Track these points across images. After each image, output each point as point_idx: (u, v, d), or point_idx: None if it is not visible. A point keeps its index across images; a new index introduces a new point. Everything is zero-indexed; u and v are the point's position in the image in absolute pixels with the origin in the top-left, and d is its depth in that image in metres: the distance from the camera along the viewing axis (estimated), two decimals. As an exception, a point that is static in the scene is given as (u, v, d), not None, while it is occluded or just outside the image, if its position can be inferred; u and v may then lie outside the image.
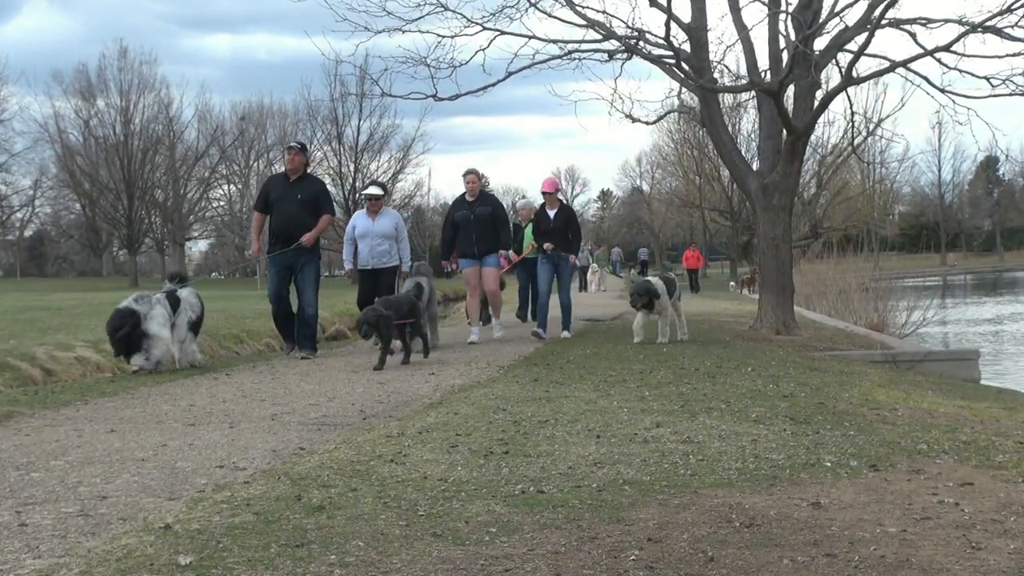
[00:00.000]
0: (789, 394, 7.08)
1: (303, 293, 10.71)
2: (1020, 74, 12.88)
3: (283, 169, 11.27)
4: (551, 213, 12.18)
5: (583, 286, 35.04)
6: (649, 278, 11.95)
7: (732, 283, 38.14)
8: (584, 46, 14.10)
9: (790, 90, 14.53)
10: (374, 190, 11.91)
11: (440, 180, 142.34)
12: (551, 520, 3.66)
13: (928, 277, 52.86)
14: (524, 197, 18.03)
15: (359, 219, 11.80)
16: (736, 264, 49.40)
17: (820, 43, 13.69)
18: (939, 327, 22.52)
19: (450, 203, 13.98)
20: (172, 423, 6.54)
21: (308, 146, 11.26)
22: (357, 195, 50.12)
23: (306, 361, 10.43)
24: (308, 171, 11.29)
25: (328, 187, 12.20)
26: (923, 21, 13.11)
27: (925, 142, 77.82)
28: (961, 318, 26.70)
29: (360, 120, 54.03)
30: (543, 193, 12.38)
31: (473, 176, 12.22)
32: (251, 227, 11.95)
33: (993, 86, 12.94)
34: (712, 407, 6.31)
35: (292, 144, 11.25)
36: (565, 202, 12.36)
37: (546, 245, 11.97)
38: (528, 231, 14.77)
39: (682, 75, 14.16)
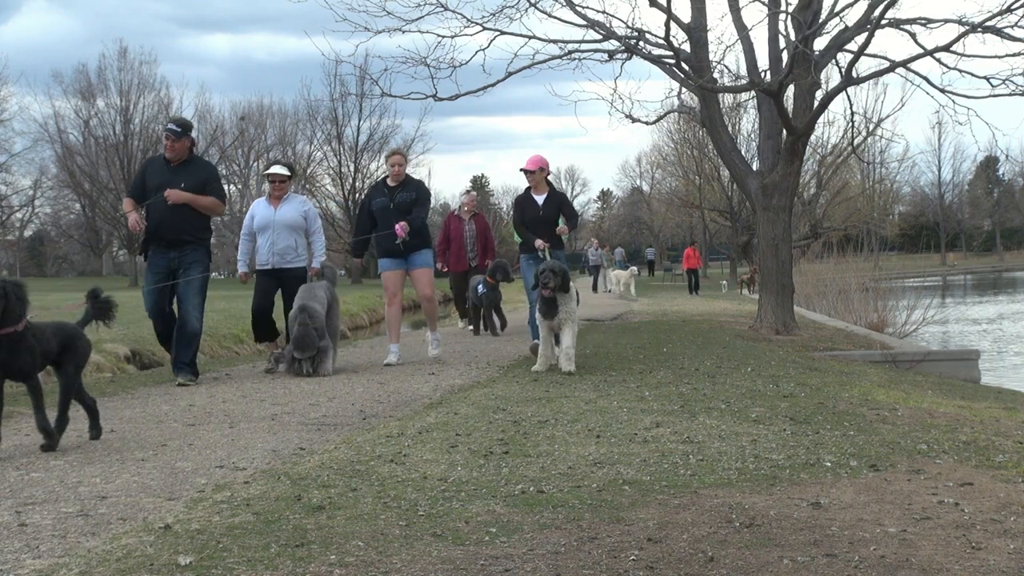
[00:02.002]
0: (789, 394, 7.08)
1: (185, 302, 8.68)
2: (1020, 74, 12.90)
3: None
4: (539, 199, 9.63)
5: (597, 287, 34.30)
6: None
7: (724, 282, 37.86)
8: (584, 46, 14.11)
9: (790, 90, 14.54)
10: (278, 169, 9.81)
11: (440, 180, 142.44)
12: (551, 520, 3.66)
13: (928, 277, 52.86)
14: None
15: (258, 207, 9.77)
16: (736, 264, 49.40)
17: (820, 43, 13.70)
18: (939, 327, 22.51)
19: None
20: (172, 423, 6.54)
21: (193, 128, 9.18)
22: (357, 195, 50.13)
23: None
24: (194, 154, 9.15)
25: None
26: (923, 21, 13.12)
27: (925, 142, 77.97)
28: (961, 318, 26.70)
29: (360, 120, 54.07)
30: (525, 173, 9.67)
31: (399, 157, 10.09)
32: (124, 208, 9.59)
33: (993, 86, 12.95)
34: (712, 407, 6.31)
35: (170, 128, 8.91)
36: (556, 186, 10.01)
37: (538, 243, 9.37)
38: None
39: (682, 75, 14.16)
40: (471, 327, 14.36)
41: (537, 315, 8.71)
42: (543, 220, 9.56)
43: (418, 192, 9.88)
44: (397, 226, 9.53)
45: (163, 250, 8.73)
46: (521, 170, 9.67)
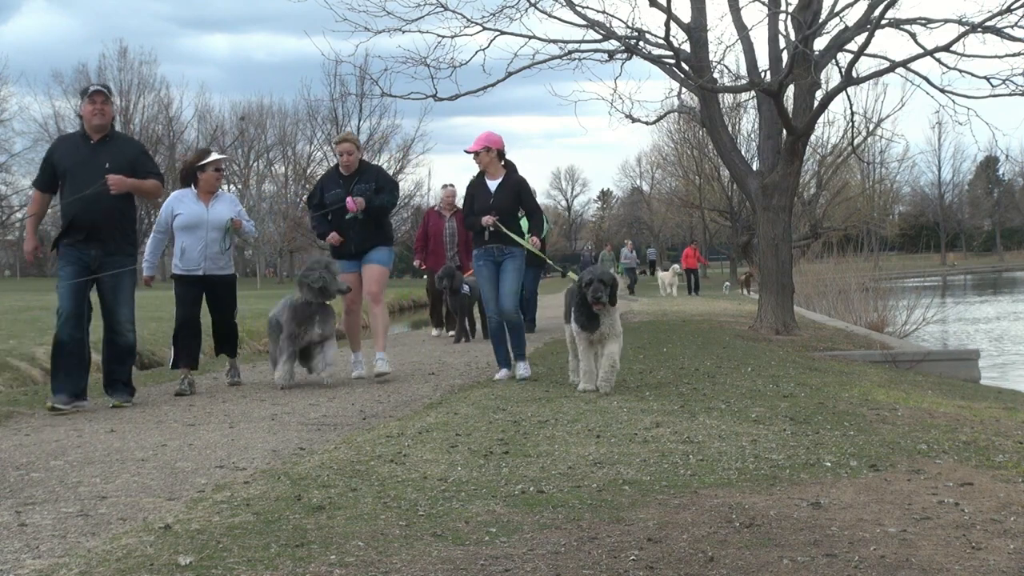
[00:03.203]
0: (789, 394, 7.08)
1: (116, 312, 7.28)
2: (1020, 74, 12.91)
3: (88, 130, 7.38)
4: (492, 184, 8.13)
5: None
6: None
7: (727, 283, 37.72)
8: (584, 46, 14.12)
9: (790, 90, 14.54)
10: (216, 155, 8.48)
11: (440, 180, 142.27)
12: (551, 520, 3.66)
13: (928, 277, 52.87)
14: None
15: (184, 202, 8.23)
16: (736, 264, 49.40)
17: (820, 43, 13.71)
18: (939, 327, 22.52)
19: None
20: (172, 423, 6.54)
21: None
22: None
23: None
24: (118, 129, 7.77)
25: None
26: (923, 21, 13.13)
27: (925, 142, 78.01)
28: (961, 318, 26.70)
29: (360, 120, 54.11)
30: (471, 154, 8.17)
31: (349, 145, 8.56)
32: (28, 217, 7.86)
33: (993, 86, 12.96)
34: (712, 407, 6.31)
35: (96, 87, 7.47)
36: (514, 170, 8.25)
37: (485, 219, 7.94)
38: (520, 222, 13.25)
39: (682, 75, 14.16)
40: (450, 333, 13.34)
41: (574, 326, 7.25)
42: (495, 211, 8.02)
43: (378, 180, 8.51)
44: (349, 199, 8.23)
45: (80, 245, 7.18)
46: (466, 151, 8.20)
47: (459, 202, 11.88)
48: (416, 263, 13.83)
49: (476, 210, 8.05)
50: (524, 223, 13.13)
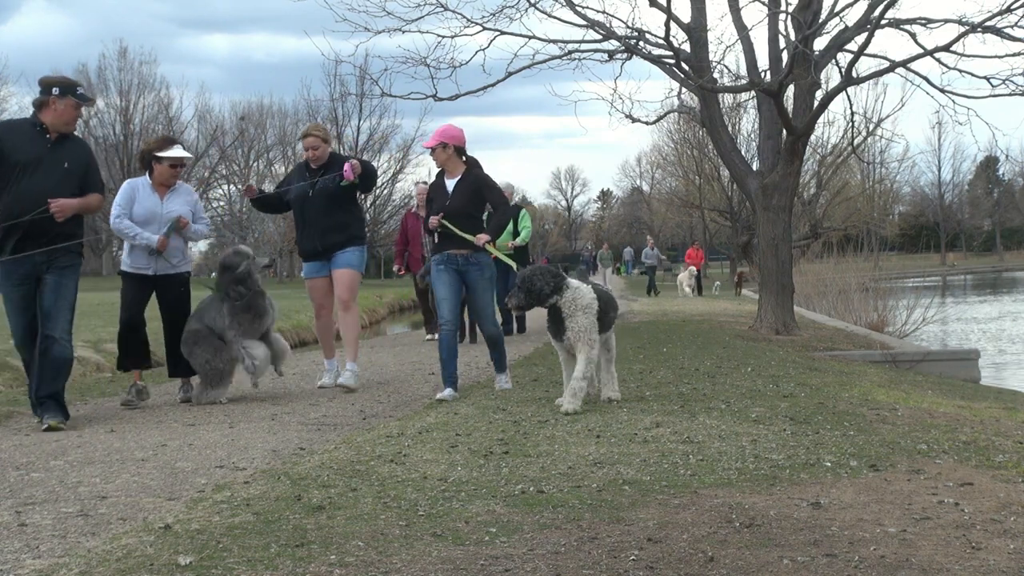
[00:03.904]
0: (789, 394, 7.08)
1: (53, 320, 6.49)
2: (1020, 74, 12.92)
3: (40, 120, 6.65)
4: (449, 184, 7.39)
5: (653, 289, 31.97)
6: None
7: (717, 283, 37.04)
8: (584, 46, 14.12)
9: (790, 90, 14.54)
10: (179, 151, 7.70)
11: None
12: (551, 520, 3.66)
13: (928, 277, 52.86)
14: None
15: (140, 193, 7.55)
16: (736, 264, 49.39)
17: (820, 43, 13.71)
18: (939, 327, 22.52)
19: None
20: (172, 423, 6.54)
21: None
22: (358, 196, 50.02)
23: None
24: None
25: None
26: (923, 21, 13.13)
27: (925, 142, 77.97)
28: (961, 317, 26.70)
29: (360, 120, 54.12)
30: (429, 150, 7.50)
31: (313, 139, 7.92)
32: None
33: (993, 86, 12.96)
34: (712, 407, 6.31)
35: (85, 91, 6.93)
36: (476, 166, 7.47)
37: (431, 221, 7.29)
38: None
39: (682, 75, 14.16)
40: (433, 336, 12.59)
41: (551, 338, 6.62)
42: (452, 213, 7.24)
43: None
44: (347, 165, 7.66)
45: (22, 253, 6.50)
46: (429, 149, 7.51)
47: None
48: (395, 268, 13.33)
49: (434, 212, 7.36)
50: (520, 226, 12.95)
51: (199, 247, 77.30)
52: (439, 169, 7.47)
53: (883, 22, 13.01)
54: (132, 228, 7.41)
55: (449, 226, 7.17)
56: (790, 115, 13.74)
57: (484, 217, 7.83)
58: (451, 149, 7.32)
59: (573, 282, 6.38)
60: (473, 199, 7.34)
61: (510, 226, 12.38)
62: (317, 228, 7.86)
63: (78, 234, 6.72)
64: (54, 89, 6.61)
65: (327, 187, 7.79)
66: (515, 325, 13.57)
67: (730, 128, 24.81)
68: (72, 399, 7.50)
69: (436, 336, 12.89)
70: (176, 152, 7.63)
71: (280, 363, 7.88)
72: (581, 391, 6.24)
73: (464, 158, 7.40)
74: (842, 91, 14.11)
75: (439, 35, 13.99)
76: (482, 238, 7.20)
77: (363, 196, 7.95)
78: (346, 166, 7.67)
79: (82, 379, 10.02)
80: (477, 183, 7.34)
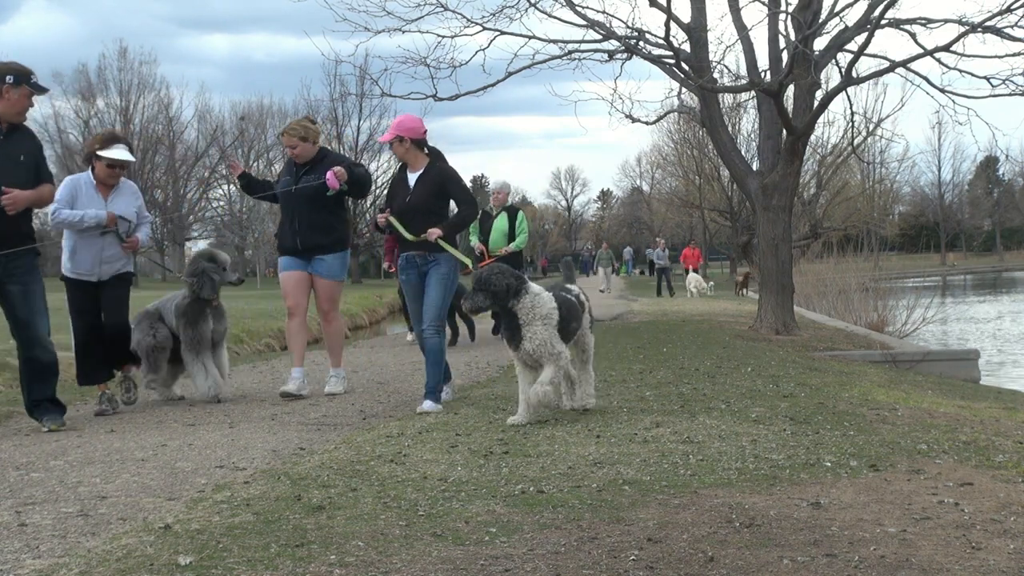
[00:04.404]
0: (789, 394, 7.08)
1: (31, 324, 6.33)
2: (1020, 74, 12.91)
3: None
4: (412, 178, 6.90)
5: (665, 290, 30.67)
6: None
7: (711, 283, 36.27)
8: (584, 46, 14.12)
9: (790, 90, 14.54)
10: (120, 152, 7.07)
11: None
12: (551, 520, 3.66)
13: (928, 277, 52.87)
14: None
15: (82, 191, 7.05)
16: (736, 264, 49.39)
17: (820, 43, 13.70)
18: (939, 327, 22.52)
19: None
20: (172, 423, 6.54)
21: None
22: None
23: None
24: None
25: None
26: (923, 21, 13.13)
27: (925, 142, 77.95)
28: (961, 317, 26.71)
29: (360, 120, 54.12)
30: (388, 144, 7.10)
31: (290, 138, 7.65)
32: None
33: (993, 86, 12.96)
34: (712, 407, 6.31)
35: (36, 82, 6.39)
36: (439, 158, 6.98)
37: (380, 217, 6.97)
38: (498, 221, 11.75)
39: (682, 75, 14.16)
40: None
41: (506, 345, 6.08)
42: (413, 209, 6.77)
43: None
44: (329, 173, 7.27)
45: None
46: (388, 143, 7.07)
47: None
48: (386, 265, 13.13)
49: (394, 207, 6.91)
50: (517, 230, 11.98)
51: (199, 247, 77.24)
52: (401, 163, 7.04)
53: (883, 22, 13.01)
54: (73, 213, 6.88)
55: (396, 224, 6.75)
56: (790, 115, 13.74)
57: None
58: (407, 143, 6.82)
59: (534, 287, 5.92)
60: (436, 194, 6.82)
61: (505, 228, 11.76)
62: (299, 226, 7.53)
63: (30, 234, 6.43)
64: (8, 77, 6.19)
65: (311, 186, 7.45)
66: (470, 333, 12.81)
67: (730, 128, 24.82)
68: (72, 399, 7.50)
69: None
70: (114, 153, 7.04)
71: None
72: (545, 395, 5.79)
73: (426, 150, 6.89)
74: (842, 91, 14.10)
75: (439, 35, 14.00)
76: (433, 232, 6.62)
77: (354, 200, 7.48)
78: (329, 174, 7.29)
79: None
80: (440, 177, 6.84)
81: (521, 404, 5.87)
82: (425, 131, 6.89)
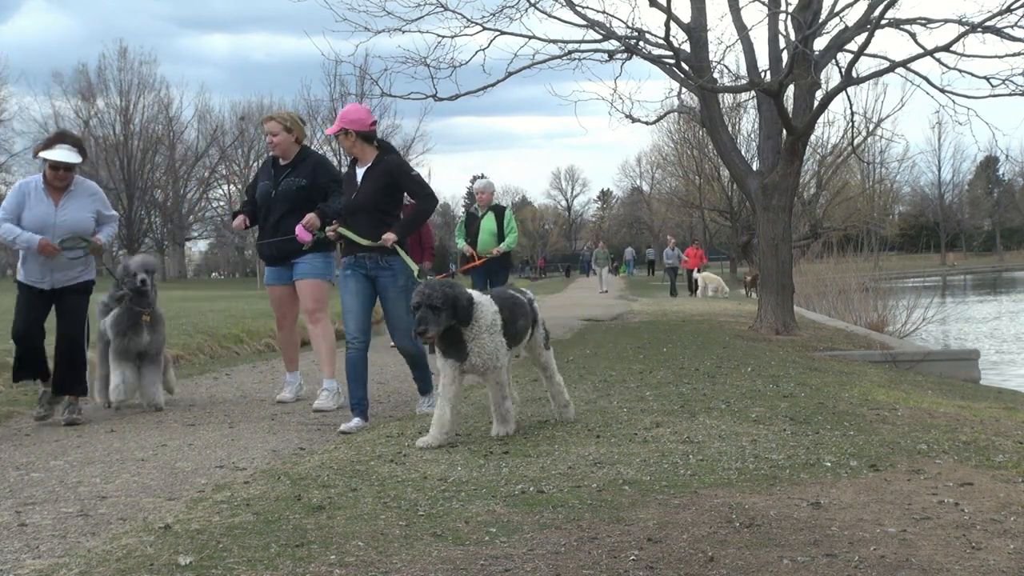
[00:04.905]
0: (789, 394, 7.08)
1: None
2: (1020, 74, 12.90)
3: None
4: (358, 173, 6.40)
5: (688, 289, 30.25)
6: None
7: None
8: (584, 46, 14.11)
9: (790, 90, 14.54)
10: (64, 154, 6.63)
11: (440, 180, 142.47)
12: (551, 520, 3.66)
13: (928, 277, 52.87)
14: (482, 176, 11.88)
15: (32, 196, 6.68)
16: (736, 264, 49.39)
17: (820, 43, 13.70)
18: (939, 327, 22.52)
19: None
20: (172, 423, 6.54)
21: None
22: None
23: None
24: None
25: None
26: (923, 21, 13.13)
27: (925, 142, 77.94)
28: (961, 317, 26.71)
29: (360, 120, 54.02)
30: (335, 136, 6.51)
31: (273, 124, 7.27)
32: None
33: (993, 86, 12.96)
34: (712, 407, 6.31)
35: None
36: (390, 151, 6.50)
37: (328, 230, 6.45)
38: (485, 222, 11.25)
39: (682, 75, 14.16)
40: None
41: (438, 354, 5.46)
42: (359, 207, 6.28)
43: (316, 174, 7.17)
44: (298, 228, 6.77)
45: None
46: (334, 136, 6.54)
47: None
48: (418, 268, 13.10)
49: (343, 207, 6.43)
50: (506, 229, 11.36)
51: (199, 247, 77.20)
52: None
53: (883, 22, 13.01)
54: (10, 231, 6.54)
55: (348, 233, 6.20)
56: (790, 115, 13.74)
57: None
58: (353, 136, 6.29)
59: (473, 294, 5.41)
60: (386, 190, 6.27)
61: (493, 229, 11.20)
62: (278, 233, 7.14)
63: None
64: None
65: (290, 190, 7.13)
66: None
67: (730, 128, 24.82)
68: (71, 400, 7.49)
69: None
70: (55, 155, 6.57)
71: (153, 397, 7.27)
72: (508, 412, 5.47)
73: (375, 143, 6.38)
74: (842, 91, 14.10)
75: (439, 35, 13.99)
76: (389, 238, 6.14)
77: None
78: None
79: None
80: (389, 170, 6.29)
81: (436, 421, 5.25)
82: (373, 122, 6.42)
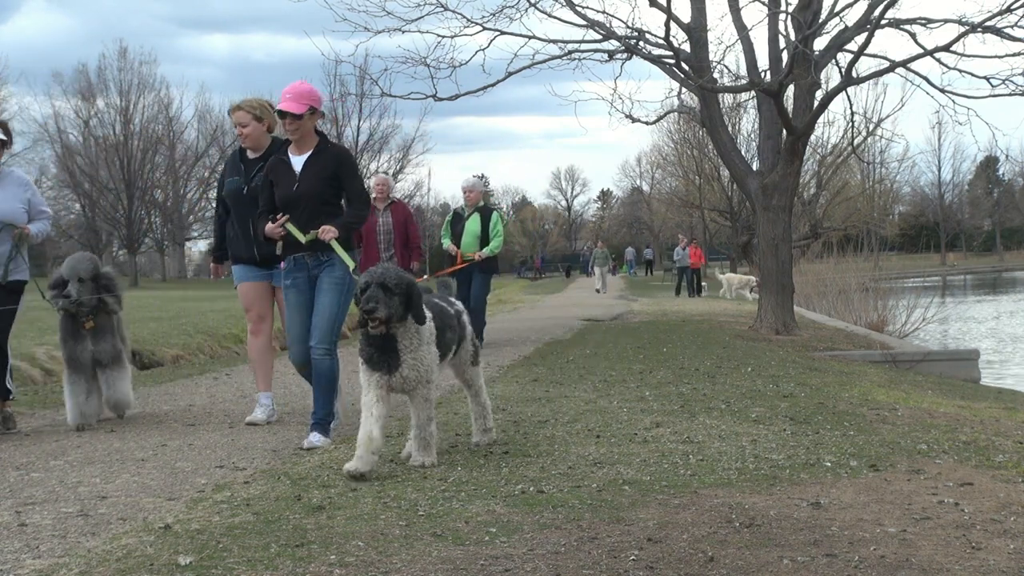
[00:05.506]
0: (789, 394, 7.08)
1: None
2: (1020, 74, 12.90)
3: None
4: (296, 161, 5.63)
5: (689, 290, 29.85)
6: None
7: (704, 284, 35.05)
8: (584, 46, 14.12)
9: (790, 90, 14.54)
10: None
11: (440, 180, 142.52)
12: (551, 520, 3.66)
13: (928, 277, 52.87)
14: (481, 176, 11.11)
15: None
16: (736, 264, 49.38)
17: (820, 43, 13.70)
18: (939, 327, 22.52)
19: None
20: (172, 423, 6.54)
21: None
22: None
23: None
24: None
25: None
26: (923, 21, 13.13)
27: (925, 142, 77.90)
28: (961, 317, 26.71)
29: (360, 120, 54.04)
30: (279, 113, 5.65)
31: (242, 114, 6.43)
32: None
33: (993, 86, 12.96)
34: (712, 407, 6.31)
35: None
36: (329, 138, 5.91)
37: (270, 228, 5.55)
38: (470, 223, 10.87)
39: (682, 75, 14.16)
40: None
41: (359, 360, 4.71)
42: (300, 198, 5.53)
43: None
44: (268, 226, 5.62)
45: None
46: (278, 111, 5.67)
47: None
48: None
49: (279, 199, 5.60)
50: (491, 233, 10.81)
51: (199, 247, 77.24)
52: (285, 139, 5.76)
53: (883, 22, 13.01)
54: None
55: (294, 230, 5.47)
56: (790, 115, 13.74)
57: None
58: (300, 121, 5.54)
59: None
60: (331, 181, 5.57)
61: (478, 231, 10.82)
62: (250, 232, 6.23)
63: None
64: None
65: (257, 184, 6.12)
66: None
67: (730, 128, 24.80)
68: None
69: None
70: None
71: (117, 409, 6.70)
72: (432, 437, 4.74)
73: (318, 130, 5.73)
74: (842, 91, 14.10)
75: (439, 35, 13.99)
76: (329, 232, 5.41)
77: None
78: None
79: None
80: (337, 161, 5.60)
81: (362, 443, 4.52)
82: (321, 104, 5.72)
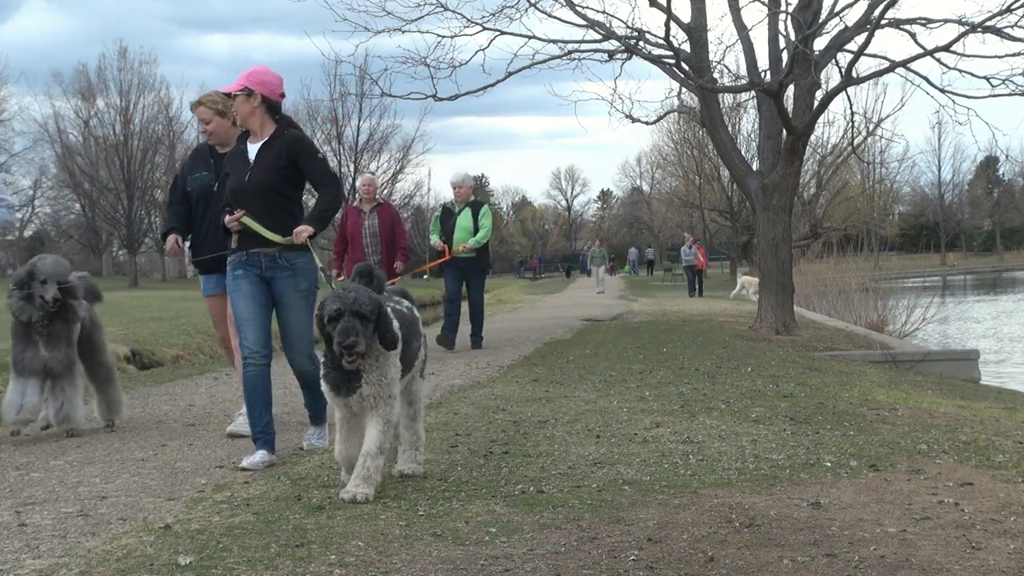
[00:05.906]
0: (789, 394, 7.08)
1: None
2: (1020, 74, 12.89)
3: None
4: (250, 149, 5.25)
5: (690, 289, 29.57)
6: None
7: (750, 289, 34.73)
8: (584, 46, 14.11)
9: (790, 90, 14.53)
10: None
11: (440, 180, 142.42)
12: (551, 520, 3.66)
13: (928, 277, 52.87)
14: (481, 176, 10.70)
15: None
16: (736, 264, 49.39)
17: (820, 43, 13.70)
18: (939, 327, 22.52)
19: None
20: (172, 423, 6.54)
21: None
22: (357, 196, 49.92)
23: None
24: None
25: None
26: (923, 21, 13.13)
27: (925, 142, 77.89)
28: (961, 317, 26.71)
29: (360, 120, 54.02)
30: (229, 94, 5.47)
31: (204, 110, 6.03)
32: None
33: (993, 86, 12.95)
34: (712, 407, 6.31)
35: None
36: (291, 125, 5.36)
37: (229, 221, 5.15)
38: (462, 219, 10.70)
39: (682, 75, 14.16)
40: None
41: (323, 384, 4.29)
42: (251, 189, 5.13)
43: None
44: (228, 217, 5.22)
45: None
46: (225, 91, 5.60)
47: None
48: (334, 273, 10.44)
49: (228, 192, 5.27)
50: (479, 224, 10.64)
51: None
52: (243, 130, 5.36)
53: (883, 22, 13.00)
54: None
55: (252, 224, 5.09)
56: (790, 115, 13.74)
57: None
58: (257, 99, 5.18)
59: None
60: (287, 170, 5.16)
61: (469, 226, 10.66)
62: (217, 234, 5.62)
63: None
64: None
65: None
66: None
67: (730, 128, 24.80)
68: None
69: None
70: None
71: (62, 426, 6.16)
72: (377, 471, 4.14)
73: (276, 117, 5.28)
74: (842, 91, 14.10)
75: (439, 35, 13.98)
76: (304, 231, 5.08)
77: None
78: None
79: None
80: (293, 147, 5.17)
81: (345, 463, 4.29)
82: (282, 94, 5.34)
